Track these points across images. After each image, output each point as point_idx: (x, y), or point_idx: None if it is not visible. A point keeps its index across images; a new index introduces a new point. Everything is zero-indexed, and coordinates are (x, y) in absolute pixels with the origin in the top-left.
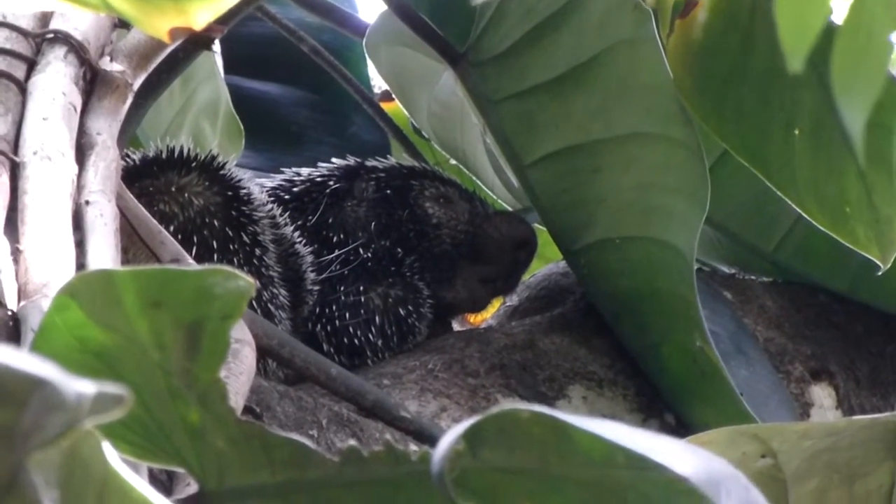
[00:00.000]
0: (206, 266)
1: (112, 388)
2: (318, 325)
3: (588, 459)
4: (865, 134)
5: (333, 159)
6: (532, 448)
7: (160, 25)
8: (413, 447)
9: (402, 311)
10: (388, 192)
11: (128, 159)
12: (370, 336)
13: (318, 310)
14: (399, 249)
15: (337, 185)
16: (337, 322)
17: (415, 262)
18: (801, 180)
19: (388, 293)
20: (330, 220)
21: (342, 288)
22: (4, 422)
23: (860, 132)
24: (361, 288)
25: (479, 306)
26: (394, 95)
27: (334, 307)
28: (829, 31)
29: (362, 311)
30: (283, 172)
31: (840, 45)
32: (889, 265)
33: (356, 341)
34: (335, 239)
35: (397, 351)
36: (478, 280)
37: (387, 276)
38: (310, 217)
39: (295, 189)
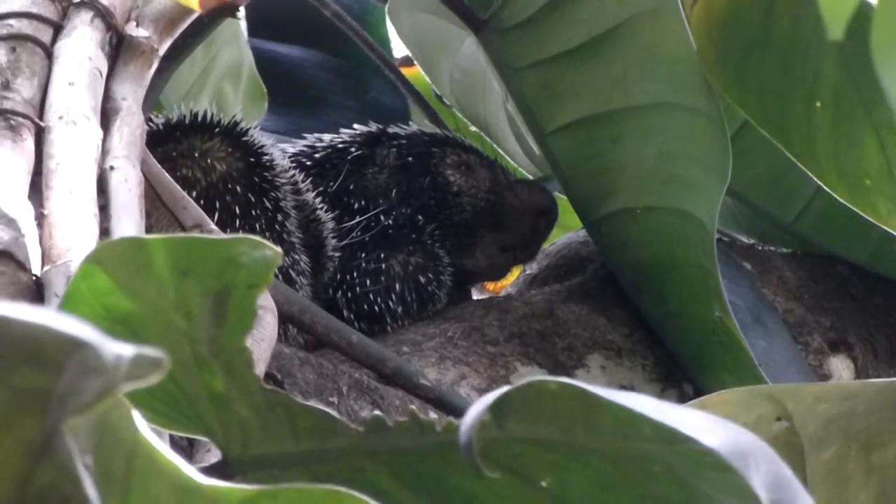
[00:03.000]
0: (234, 235)
1: (150, 351)
2: (339, 292)
3: (614, 432)
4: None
5: (355, 125)
6: (558, 420)
7: None
8: (433, 415)
9: (422, 279)
10: (410, 159)
11: (151, 124)
12: (390, 303)
13: (338, 276)
14: (420, 217)
15: (358, 152)
16: (357, 289)
17: (435, 230)
18: (822, 152)
19: (409, 260)
20: (351, 187)
21: (363, 255)
22: (41, 384)
23: None
24: (382, 255)
25: (498, 274)
26: (415, 61)
27: (355, 274)
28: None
29: (382, 278)
30: (303, 137)
31: (880, 15)
32: None
33: (376, 308)
34: (356, 205)
35: (417, 318)
36: (498, 248)
37: (407, 243)
38: (331, 183)
39: (316, 155)
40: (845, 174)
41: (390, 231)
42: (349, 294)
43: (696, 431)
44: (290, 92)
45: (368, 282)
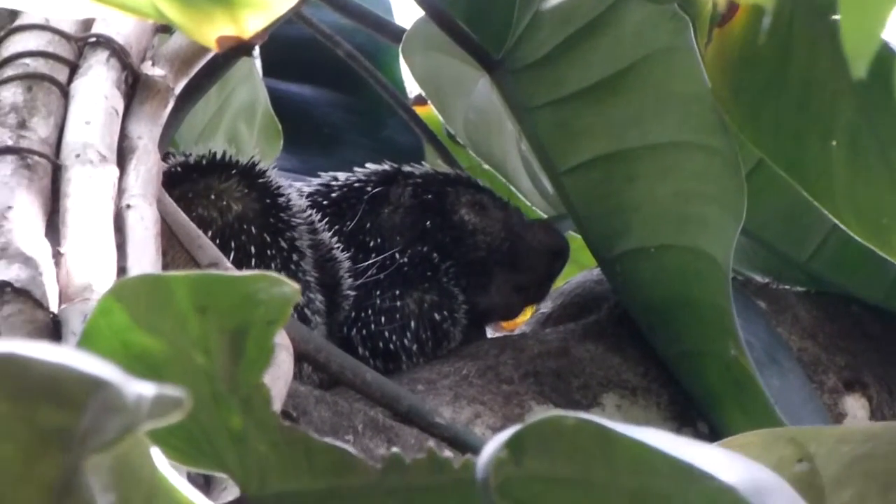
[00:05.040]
0: (252, 272)
1: (171, 390)
2: (354, 330)
3: (632, 468)
4: None
5: (369, 164)
6: (576, 456)
7: (209, 33)
8: (448, 453)
9: (437, 316)
10: (425, 197)
11: (168, 163)
12: (405, 341)
13: (353, 314)
14: (435, 255)
15: (374, 191)
16: (372, 326)
17: (450, 268)
18: (838, 191)
19: (424, 298)
20: (367, 226)
21: (378, 293)
22: (62, 423)
23: None
24: (397, 293)
25: (511, 314)
26: (429, 101)
27: (370, 311)
28: None
29: (398, 316)
30: (318, 176)
31: None
32: None
33: (391, 346)
34: (372, 244)
35: (432, 356)
36: (511, 287)
37: (423, 281)
38: (347, 222)
39: (333, 195)
40: (861, 212)
41: (406, 269)
42: (364, 332)
43: (715, 468)
44: (304, 131)
45: (383, 319)
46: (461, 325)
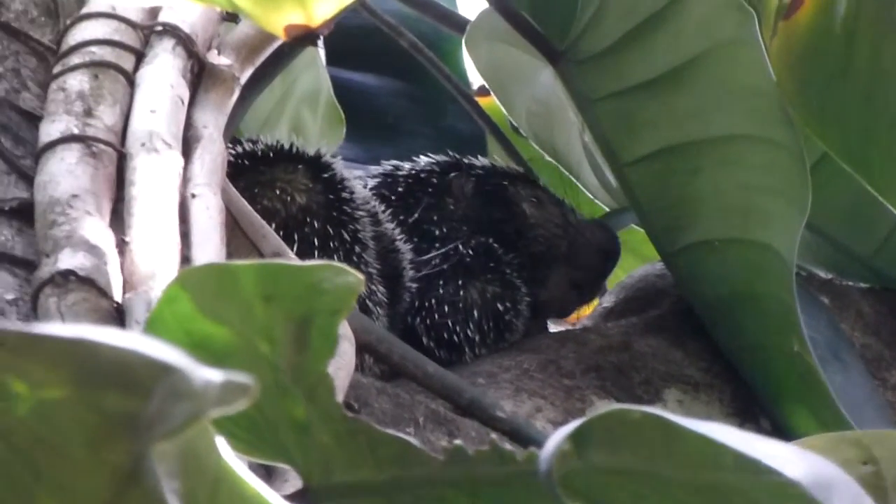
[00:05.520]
0: (317, 261)
1: (238, 377)
2: (418, 319)
3: (696, 462)
4: None
5: (431, 155)
6: (640, 449)
7: (277, 21)
8: (509, 447)
9: (500, 307)
10: (488, 190)
11: (232, 151)
12: (468, 332)
13: (417, 304)
14: (498, 246)
15: (437, 182)
16: (436, 316)
17: (513, 259)
18: None
19: (487, 289)
20: (431, 217)
21: (441, 283)
22: (130, 409)
23: None
24: (460, 283)
25: (567, 310)
26: (492, 93)
27: (433, 301)
28: None
29: (461, 306)
30: (380, 165)
31: None
32: None
33: (455, 337)
34: (436, 234)
35: (494, 348)
36: (568, 283)
37: (486, 272)
38: (412, 213)
39: (395, 185)
40: None
41: (469, 260)
42: (428, 322)
43: (780, 463)
44: (366, 119)
45: (447, 309)
46: (523, 318)
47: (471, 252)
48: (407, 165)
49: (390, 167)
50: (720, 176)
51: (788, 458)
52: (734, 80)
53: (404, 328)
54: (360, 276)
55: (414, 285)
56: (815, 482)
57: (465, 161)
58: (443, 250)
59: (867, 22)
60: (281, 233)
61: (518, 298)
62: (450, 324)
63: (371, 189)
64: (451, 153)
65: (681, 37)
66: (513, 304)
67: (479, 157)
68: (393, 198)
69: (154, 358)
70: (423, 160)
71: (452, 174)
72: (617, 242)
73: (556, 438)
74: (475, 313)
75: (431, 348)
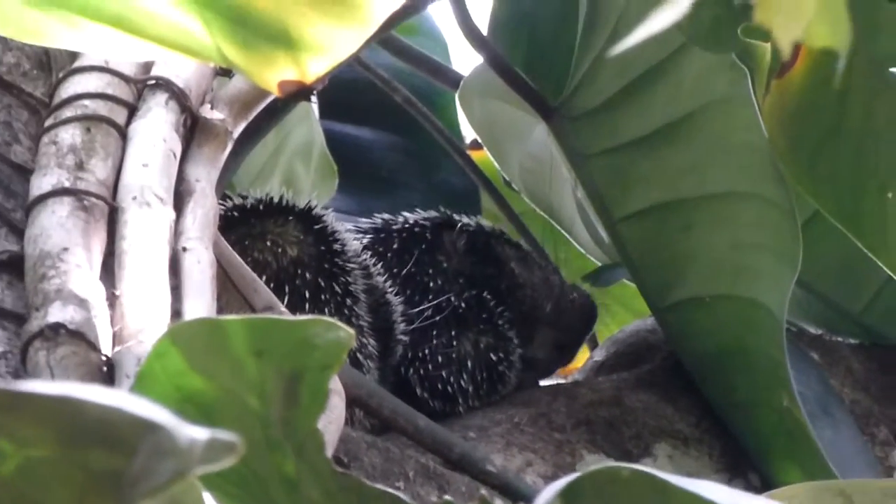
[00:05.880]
0: (308, 316)
1: (224, 435)
2: (411, 370)
3: None
4: None
5: (419, 211)
6: None
7: (271, 77)
8: (499, 502)
9: (493, 358)
10: (479, 247)
11: (223, 205)
12: (462, 382)
13: (410, 355)
14: (490, 298)
15: (430, 237)
16: (429, 367)
17: (504, 312)
18: (894, 243)
19: (480, 339)
20: (423, 270)
21: (434, 333)
22: (114, 466)
23: None
24: (453, 333)
25: (551, 370)
26: (485, 148)
27: (427, 352)
28: None
29: (454, 356)
30: (373, 217)
31: None
32: None
33: (448, 388)
34: (429, 286)
35: (487, 399)
36: (551, 343)
37: (478, 323)
38: (405, 267)
39: (388, 239)
40: None
41: (461, 312)
42: (421, 372)
43: None
44: (361, 172)
45: (440, 360)
46: (516, 370)
47: (463, 304)
48: (400, 219)
49: (381, 221)
50: (712, 233)
51: None
52: (727, 138)
53: (397, 380)
54: (351, 332)
55: (406, 338)
56: None
57: (456, 217)
58: (435, 302)
59: (860, 81)
60: (272, 285)
61: (510, 350)
62: (443, 374)
63: (364, 243)
64: (442, 209)
65: (674, 94)
66: (505, 355)
67: (469, 214)
68: (384, 251)
69: (139, 416)
70: (413, 215)
71: (446, 231)
72: (595, 307)
73: (546, 496)
74: (469, 364)
75: (425, 399)
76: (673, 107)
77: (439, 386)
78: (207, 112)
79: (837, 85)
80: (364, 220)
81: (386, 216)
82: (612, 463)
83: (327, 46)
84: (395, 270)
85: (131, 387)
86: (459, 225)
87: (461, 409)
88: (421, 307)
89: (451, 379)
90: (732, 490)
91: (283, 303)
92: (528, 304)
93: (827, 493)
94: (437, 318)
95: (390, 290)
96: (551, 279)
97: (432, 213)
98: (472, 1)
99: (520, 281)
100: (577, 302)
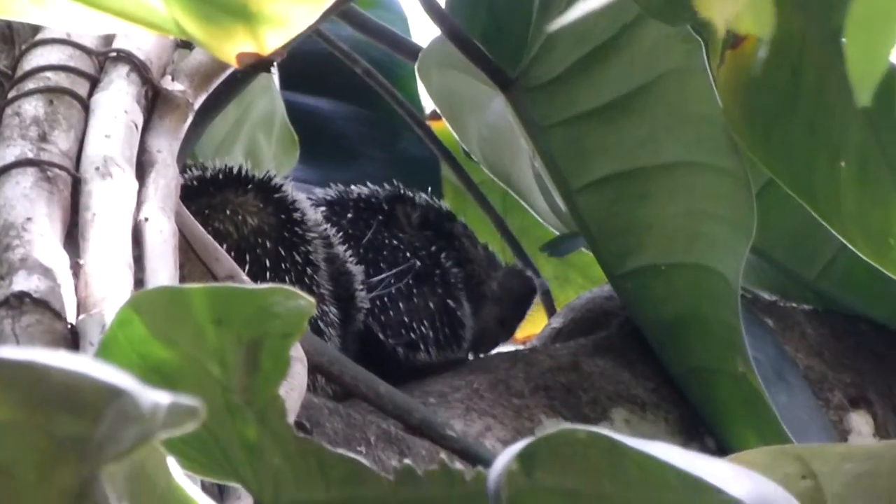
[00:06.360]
0: (269, 285)
1: (186, 399)
2: (371, 318)
3: (641, 481)
4: None
5: (372, 185)
6: (586, 469)
7: (229, 50)
8: (459, 465)
9: (451, 304)
10: (432, 221)
11: (185, 176)
12: (423, 328)
13: (372, 308)
14: (445, 265)
15: (386, 209)
16: (391, 313)
17: (459, 274)
18: (846, 211)
19: (436, 290)
20: (381, 240)
21: (393, 283)
22: (79, 432)
23: None
24: (413, 287)
25: (494, 344)
26: (444, 118)
27: (387, 300)
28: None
29: (414, 302)
30: (329, 187)
31: None
32: None
33: (411, 333)
34: (386, 257)
35: (448, 350)
36: (494, 319)
37: (434, 281)
38: (364, 235)
39: (345, 210)
40: (869, 233)
41: (418, 272)
42: (382, 318)
43: (723, 482)
44: (321, 143)
45: (401, 306)
46: (470, 322)
47: (420, 267)
48: (356, 190)
49: (340, 189)
50: (667, 202)
51: (732, 477)
52: (682, 108)
53: (360, 338)
54: (311, 300)
55: (365, 306)
56: (757, 501)
57: (409, 194)
58: (395, 271)
59: (812, 53)
60: (233, 254)
61: (464, 305)
62: (405, 320)
63: (322, 211)
64: (395, 183)
65: (630, 65)
66: (461, 306)
67: (427, 187)
68: (343, 221)
69: (103, 381)
70: (370, 188)
71: (399, 205)
72: (535, 286)
73: (504, 458)
74: (428, 308)
75: (390, 346)
76: (629, 78)
77: (402, 332)
78: (168, 84)
79: (789, 58)
80: (318, 190)
81: (343, 187)
82: (568, 425)
83: (285, 19)
84: (351, 242)
85: (95, 354)
86: (409, 200)
87: (423, 356)
88: (381, 276)
89: (413, 324)
90: (688, 451)
91: (245, 271)
92: (475, 278)
93: (784, 457)
94: (392, 290)
95: (350, 258)
96: (495, 258)
97: (388, 189)
98: None
99: (469, 256)
100: (518, 281)
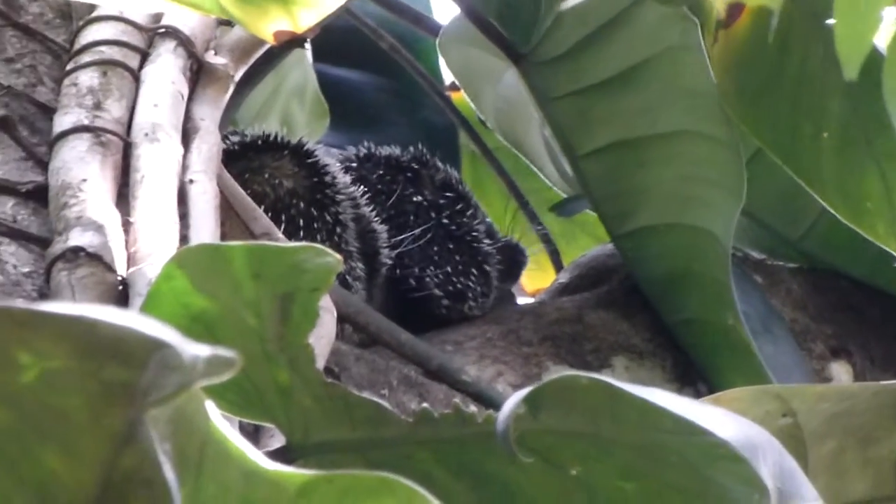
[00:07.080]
0: (299, 243)
1: (224, 351)
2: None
3: (638, 424)
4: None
5: (396, 150)
6: (587, 412)
7: (266, 27)
8: (473, 407)
9: (480, 259)
10: (450, 184)
11: (227, 142)
12: (461, 280)
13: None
14: (470, 220)
15: (409, 172)
16: (433, 267)
17: (475, 233)
18: (828, 178)
19: (470, 245)
20: (406, 200)
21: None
22: (126, 379)
23: None
24: (444, 237)
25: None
26: (462, 90)
27: (434, 255)
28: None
29: (454, 257)
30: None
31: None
32: None
33: (459, 285)
34: (411, 215)
35: (484, 300)
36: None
37: (456, 235)
38: (391, 190)
39: (376, 167)
40: (848, 197)
41: (440, 228)
42: (427, 271)
43: (712, 425)
44: (350, 111)
45: (440, 259)
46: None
47: (443, 224)
48: (382, 151)
49: (365, 150)
50: (664, 168)
51: (720, 421)
52: (678, 83)
53: (386, 296)
54: (338, 257)
55: (389, 261)
56: (742, 442)
57: (430, 160)
58: (417, 231)
59: (797, 32)
60: (270, 214)
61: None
62: (450, 270)
63: (350, 174)
64: (420, 147)
65: (631, 43)
66: (487, 261)
67: (446, 153)
68: (369, 182)
69: (147, 334)
70: (395, 151)
71: (422, 167)
72: (526, 255)
73: (512, 402)
74: (466, 263)
75: (437, 296)
76: (630, 54)
77: (450, 287)
78: (211, 58)
79: (776, 36)
80: (353, 147)
81: (369, 147)
82: (572, 372)
83: (317, 0)
84: (383, 197)
85: (142, 305)
86: (432, 164)
87: (467, 308)
88: (401, 237)
89: (454, 277)
90: (681, 397)
91: (280, 230)
92: (481, 238)
93: (765, 396)
94: (414, 246)
95: (375, 218)
96: (493, 228)
97: (411, 152)
98: None
99: (479, 218)
100: (514, 249)
